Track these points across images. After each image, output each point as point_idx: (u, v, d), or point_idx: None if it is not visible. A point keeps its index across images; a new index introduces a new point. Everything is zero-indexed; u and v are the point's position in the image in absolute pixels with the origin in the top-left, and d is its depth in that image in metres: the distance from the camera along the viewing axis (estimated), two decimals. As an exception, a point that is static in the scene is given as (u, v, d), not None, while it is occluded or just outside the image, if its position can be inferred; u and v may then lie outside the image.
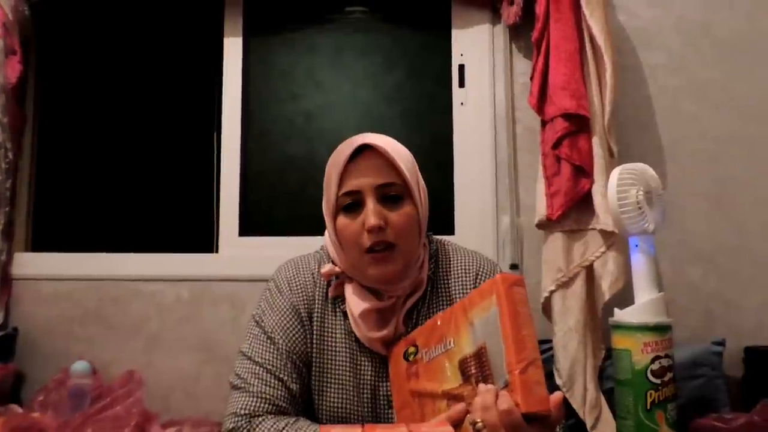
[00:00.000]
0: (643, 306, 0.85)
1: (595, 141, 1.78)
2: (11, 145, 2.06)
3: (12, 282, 2.06)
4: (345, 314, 1.03)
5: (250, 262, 2.02)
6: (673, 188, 1.96)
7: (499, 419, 0.75)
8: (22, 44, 2.08)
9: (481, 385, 0.80)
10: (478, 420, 0.77)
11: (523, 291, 0.83)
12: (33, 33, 2.21)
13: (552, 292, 1.79)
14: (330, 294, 1.04)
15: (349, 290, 1.03)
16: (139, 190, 2.23)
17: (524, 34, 2.03)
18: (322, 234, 1.09)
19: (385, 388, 1.01)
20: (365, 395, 1.01)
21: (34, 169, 2.23)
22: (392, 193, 0.97)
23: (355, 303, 1.01)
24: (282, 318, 1.03)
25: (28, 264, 2.10)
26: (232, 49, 2.20)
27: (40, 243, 2.21)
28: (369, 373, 1.02)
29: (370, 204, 0.96)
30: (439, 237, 1.13)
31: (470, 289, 1.05)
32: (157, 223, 2.21)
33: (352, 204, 0.98)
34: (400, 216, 0.97)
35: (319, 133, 2.18)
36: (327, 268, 1.03)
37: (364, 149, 0.98)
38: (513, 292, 0.81)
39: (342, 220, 0.99)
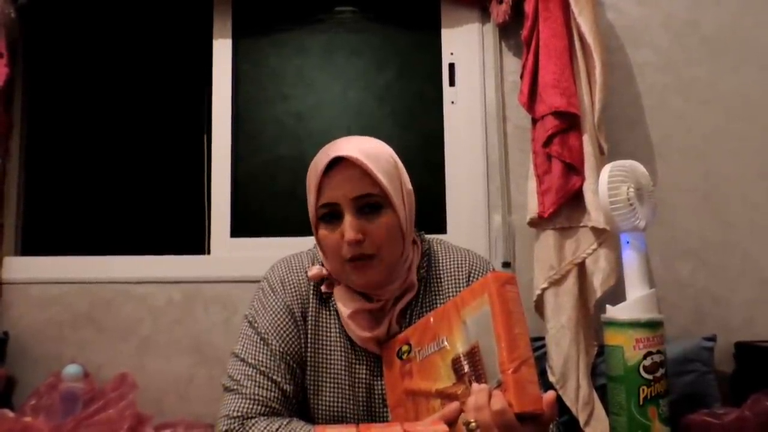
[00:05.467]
0: (635, 302, 0.85)
1: (586, 138, 1.79)
2: (-1, 149, 2.05)
3: (2, 286, 2.05)
4: (338, 312, 1.03)
5: (242, 263, 2.02)
6: (662, 185, 1.97)
7: (492, 419, 0.75)
8: (9, 47, 2.06)
9: (474, 385, 0.79)
10: (472, 420, 0.77)
11: (515, 289, 0.83)
12: (20, 35, 2.19)
13: (544, 289, 1.80)
14: (323, 289, 1.04)
15: (338, 292, 1.03)
16: (129, 192, 2.22)
17: (514, 32, 2.03)
18: (313, 234, 1.09)
19: (380, 387, 1.01)
20: (360, 394, 1.01)
21: (23, 172, 2.22)
22: (370, 204, 0.96)
23: (344, 305, 1.01)
24: (275, 318, 1.02)
25: (18, 268, 2.08)
26: (222, 51, 2.19)
27: (29, 247, 2.19)
28: (364, 371, 1.02)
29: (348, 217, 0.95)
30: (431, 236, 1.13)
31: (463, 287, 1.05)
32: (148, 225, 2.20)
33: (330, 215, 0.97)
34: (378, 227, 0.96)
35: (310, 134, 2.18)
36: (314, 270, 1.03)
37: (340, 159, 0.97)
38: (505, 291, 0.81)
39: (322, 230, 0.99)
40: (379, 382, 1.01)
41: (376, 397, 1.01)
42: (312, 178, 0.99)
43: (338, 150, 0.97)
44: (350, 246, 0.95)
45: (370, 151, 0.98)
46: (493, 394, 0.77)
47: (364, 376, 1.01)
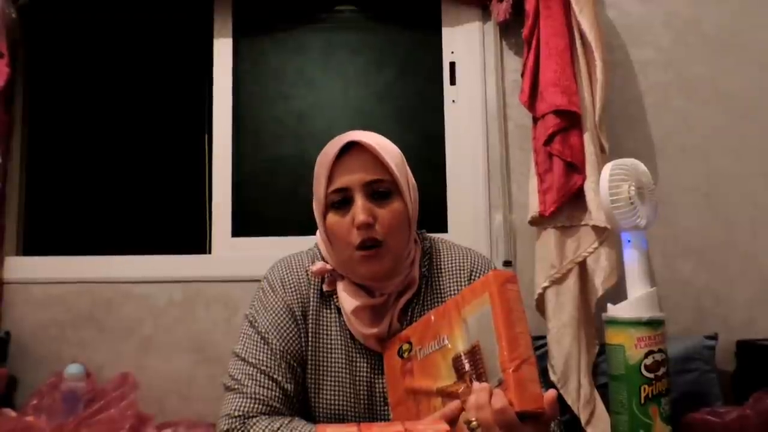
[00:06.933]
0: (636, 301, 0.85)
1: (587, 137, 1.78)
2: None
3: (3, 286, 2.05)
4: (340, 311, 1.03)
5: (243, 262, 2.02)
6: (664, 184, 1.97)
7: (493, 418, 0.75)
8: (10, 47, 2.06)
9: (475, 384, 0.79)
10: (473, 419, 0.77)
11: (516, 288, 0.83)
12: (21, 35, 2.19)
13: (545, 288, 1.80)
14: (324, 288, 1.04)
15: (340, 287, 1.03)
16: (130, 192, 2.22)
17: (514, 31, 2.03)
18: (314, 234, 1.09)
19: (381, 385, 1.01)
20: (361, 392, 1.01)
21: (24, 172, 2.22)
22: (381, 190, 0.97)
23: (347, 300, 1.01)
24: (275, 317, 1.02)
25: (20, 268, 2.08)
26: (222, 50, 2.19)
27: (31, 247, 2.19)
28: (365, 369, 1.02)
29: (359, 201, 0.96)
30: (433, 235, 1.13)
31: (465, 285, 1.05)
32: (150, 225, 2.21)
33: (341, 201, 0.98)
34: (388, 212, 0.97)
35: (311, 133, 2.18)
36: (318, 266, 1.03)
37: (351, 146, 0.98)
38: (506, 290, 0.81)
39: (332, 217, 0.99)
40: (380, 380, 1.01)
41: (377, 395, 1.01)
42: (322, 166, 0.99)
43: (350, 137, 0.98)
44: (360, 230, 0.95)
45: (380, 140, 1.01)
46: (494, 392, 0.77)
47: (365, 373, 1.01)
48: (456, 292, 1.04)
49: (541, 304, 1.82)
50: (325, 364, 1.02)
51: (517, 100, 1.94)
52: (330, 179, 0.98)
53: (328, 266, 1.03)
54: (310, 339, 1.03)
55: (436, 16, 2.16)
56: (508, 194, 2.02)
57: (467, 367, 0.83)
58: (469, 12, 2.11)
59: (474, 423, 0.76)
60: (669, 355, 0.84)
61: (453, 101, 2.11)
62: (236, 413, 0.95)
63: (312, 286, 1.05)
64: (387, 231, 0.96)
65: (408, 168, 1.05)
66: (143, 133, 2.25)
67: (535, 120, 1.86)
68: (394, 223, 0.97)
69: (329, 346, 1.03)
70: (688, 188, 1.99)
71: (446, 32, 2.15)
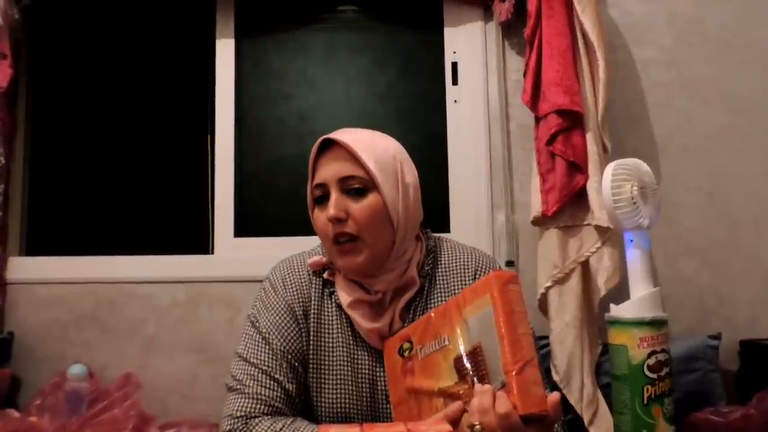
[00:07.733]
0: (639, 301, 0.85)
1: (589, 137, 1.78)
2: (2, 150, 2.05)
3: (6, 286, 2.06)
4: (341, 308, 1.03)
5: (246, 263, 2.02)
6: (666, 183, 1.97)
7: (497, 422, 0.74)
8: (13, 47, 2.07)
9: (478, 386, 0.79)
10: (476, 423, 0.76)
11: (518, 288, 0.83)
12: (24, 36, 2.20)
13: (548, 288, 1.80)
14: (326, 276, 1.06)
15: (338, 282, 1.04)
16: (133, 192, 2.22)
17: (517, 31, 2.03)
18: (316, 234, 1.09)
19: (383, 383, 1.01)
20: (364, 390, 1.01)
21: (28, 172, 2.22)
22: (355, 185, 0.99)
23: (344, 295, 1.02)
24: (277, 317, 1.03)
25: (23, 268, 2.09)
26: (225, 51, 2.19)
27: (34, 247, 2.20)
28: (367, 367, 1.02)
29: (333, 196, 0.98)
30: (438, 234, 1.13)
31: (469, 285, 1.04)
32: (152, 226, 2.21)
33: (321, 196, 1.01)
34: (362, 208, 0.98)
35: (313, 133, 2.16)
36: (314, 258, 1.06)
37: (333, 144, 1.01)
38: (507, 291, 0.81)
39: (315, 212, 1.03)
40: (382, 378, 1.01)
41: (379, 392, 1.01)
42: (309, 163, 1.03)
43: (331, 135, 1.02)
44: (333, 224, 0.97)
45: (363, 139, 1.02)
46: (498, 396, 0.76)
47: (366, 371, 1.02)
48: (460, 291, 1.04)
49: (543, 304, 1.82)
50: (326, 362, 1.02)
51: (520, 100, 1.94)
52: (313, 175, 1.03)
53: (324, 259, 1.05)
54: (311, 338, 1.03)
55: (438, 16, 2.15)
56: (511, 194, 2.02)
57: (469, 368, 0.82)
58: (471, 12, 2.11)
59: (477, 427, 0.76)
60: (672, 355, 0.84)
61: (455, 101, 2.11)
62: (238, 414, 0.95)
63: (313, 285, 1.06)
64: (360, 226, 0.97)
65: (402, 165, 1.03)
66: (146, 134, 2.25)
67: (538, 120, 1.85)
68: (368, 218, 0.98)
69: (331, 344, 1.03)
70: (690, 188, 1.99)
71: (448, 32, 2.14)
